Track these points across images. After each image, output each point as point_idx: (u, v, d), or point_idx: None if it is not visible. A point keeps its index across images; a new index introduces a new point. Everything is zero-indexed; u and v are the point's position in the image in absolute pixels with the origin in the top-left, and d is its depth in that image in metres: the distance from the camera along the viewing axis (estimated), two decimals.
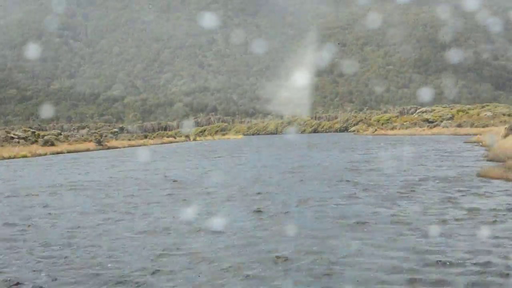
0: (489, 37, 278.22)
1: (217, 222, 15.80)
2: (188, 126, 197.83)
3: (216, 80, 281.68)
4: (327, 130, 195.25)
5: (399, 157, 41.10)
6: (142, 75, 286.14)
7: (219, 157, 54.41)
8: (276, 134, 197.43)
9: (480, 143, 51.22)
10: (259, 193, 21.82)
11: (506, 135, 47.55)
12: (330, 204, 18.33)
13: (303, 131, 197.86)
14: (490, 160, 32.00)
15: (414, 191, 20.77)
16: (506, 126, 49.02)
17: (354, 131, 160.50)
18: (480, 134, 61.85)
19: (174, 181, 28.61)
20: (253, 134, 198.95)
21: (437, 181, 23.48)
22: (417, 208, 16.93)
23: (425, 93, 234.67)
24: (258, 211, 17.42)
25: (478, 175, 24.33)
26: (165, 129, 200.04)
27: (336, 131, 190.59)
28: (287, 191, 22.63)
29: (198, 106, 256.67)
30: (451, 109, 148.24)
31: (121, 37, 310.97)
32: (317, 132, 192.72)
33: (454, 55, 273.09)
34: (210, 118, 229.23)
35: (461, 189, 20.58)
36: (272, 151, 62.81)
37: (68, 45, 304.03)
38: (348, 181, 25.26)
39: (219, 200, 20.58)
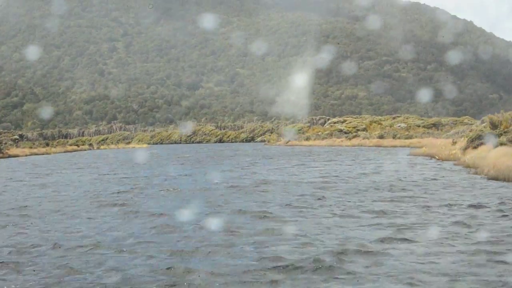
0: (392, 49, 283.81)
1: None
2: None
3: (117, 89, 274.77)
4: (232, 140, 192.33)
5: (374, 173, 34.34)
6: (41, 82, 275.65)
7: (148, 167, 47.30)
8: (180, 143, 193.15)
9: (436, 157, 46.31)
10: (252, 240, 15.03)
11: (466, 148, 43.52)
12: None
13: (207, 141, 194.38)
14: (493, 179, 26.75)
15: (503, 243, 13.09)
16: (466, 137, 44.60)
17: (263, 141, 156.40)
18: (425, 146, 57.35)
19: (121, 204, 20.98)
20: (156, 143, 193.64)
21: (487, 210, 17.29)
22: None
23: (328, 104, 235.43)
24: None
25: None
26: (66, 136, 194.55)
27: (242, 141, 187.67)
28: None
29: (98, 114, 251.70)
30: (363, 120, 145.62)
31: (21, 43, 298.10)
32: (223, 142, 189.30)
33: (353, 67, 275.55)
34: (112, 126, 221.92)
35: None
36: (206, 162, 55.45)
37: None
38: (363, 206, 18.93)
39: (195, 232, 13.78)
